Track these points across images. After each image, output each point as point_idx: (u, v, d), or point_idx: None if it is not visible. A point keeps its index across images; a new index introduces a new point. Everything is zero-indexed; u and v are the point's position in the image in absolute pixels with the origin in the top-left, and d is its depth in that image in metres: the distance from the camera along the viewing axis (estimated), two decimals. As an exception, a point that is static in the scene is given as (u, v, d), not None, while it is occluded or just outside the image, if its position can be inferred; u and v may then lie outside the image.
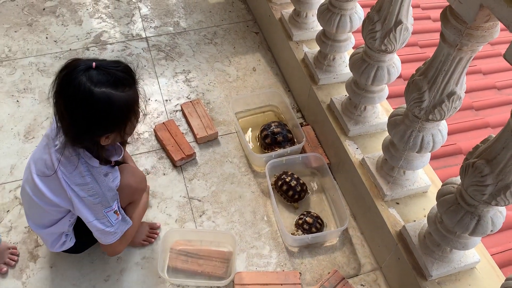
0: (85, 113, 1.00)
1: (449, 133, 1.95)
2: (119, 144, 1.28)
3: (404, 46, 1.33)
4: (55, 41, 2.08)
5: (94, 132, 1.05)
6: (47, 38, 2.09)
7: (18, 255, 1.39)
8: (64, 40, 2.08)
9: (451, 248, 1.17)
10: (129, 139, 1.24)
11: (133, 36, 2.13)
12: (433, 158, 1.76)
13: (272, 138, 1.69)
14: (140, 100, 1.08)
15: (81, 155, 1.09)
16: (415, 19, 1.30)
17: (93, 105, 0.98)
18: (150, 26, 2.19)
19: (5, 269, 1.36)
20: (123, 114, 1.04)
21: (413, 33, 1.31)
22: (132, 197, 1.32)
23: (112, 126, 1.05)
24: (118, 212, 1.19)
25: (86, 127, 1.03)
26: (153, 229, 1.47)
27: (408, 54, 2.20)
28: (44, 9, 2.23)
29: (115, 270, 1.39)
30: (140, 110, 1.10)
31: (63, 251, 1.33)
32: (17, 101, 1.82)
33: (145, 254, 1.43)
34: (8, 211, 1.50)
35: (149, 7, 2.29)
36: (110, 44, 2.08)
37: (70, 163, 1.09)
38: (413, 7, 2.37)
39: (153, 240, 1.45)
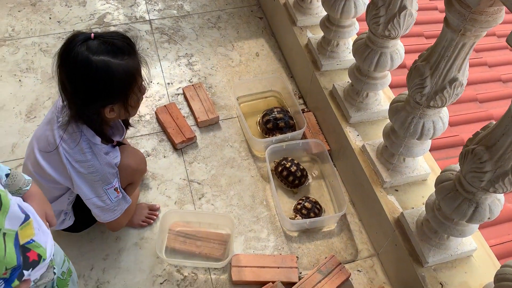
0: (85, 82, 1.01)
1: (452, 124, 1.95)
2: (122, 125, 1.28)
3: (410, 37, 1.32)
4: (58, 22, 2.07)
5: (97, 102, 1.05)
6: (50, 18, 2.08)
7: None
8: (67, 20, 2.08)
9: (448, 235, 1.17)
10: (132, 122, 1.24)
11: (137, 19, 2.12)
12: (435, 149, 1.76)
13: (274, 124, 1.69)
14: (142, 71, 1.08)
15: (83, 132, 1.10)
16: (421, 9, 1.29)
17: (92, 73, 0.99)
18: (154, 9, 2.18)
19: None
20: (124, 82, 1.04)
21: (419, 23, 1.30)
22: (132, 177, 1.32)
23: (114, 95, 1.06)
24: (119, 190, 1.19)
25: (88, 97, 1.04)
26: (153, 211, 1.48)
27: (414, 44, 2.18)
28: (48, -11, 2.22)
29: (113, 249, 1.41)
30: (143, 82, 1.10)
31: (62, 230, 1.34)
32: (20, 80, 1.83)
33: (144, 235, 1.44)
34: (9, 189, 1.50)
35: (153, -11, 2.28)
36: (114, 26, 2.07)
37: (72, 139, 1.10)
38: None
39: (152, 221, 1.46)
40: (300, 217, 1.49)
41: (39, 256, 0.77)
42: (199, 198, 1.54)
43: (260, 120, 1.74)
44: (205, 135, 1.71)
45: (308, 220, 1.46)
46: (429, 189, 1.38)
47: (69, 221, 1.31)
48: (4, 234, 0.69)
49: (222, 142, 1.70)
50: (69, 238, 1.40)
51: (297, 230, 1.50)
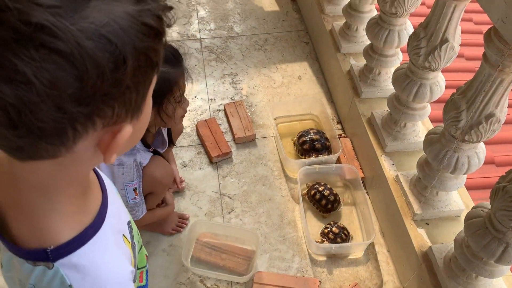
0: None
1: (499, 165, 1.85)
2: (165, 138, 1.34)
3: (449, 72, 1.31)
4: (116, 35, 2.21)
5: None
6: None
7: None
8: (124, 34, 2.22)
9: (476, 274, 1.13)
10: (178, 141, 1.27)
11: (188, 36, 2.23)
12: (475, 188, 1.68)
13: (311, 145, 1.70)
14: (183, 85, 1.14)
15: None
16: (465, 32, 1.28)
17: None
18: (205, 28, 2.28)
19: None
20: (159, 88, 1.10)
21: (461, 45, 1.28)
22: (153, 187, 1.32)
23: None
24: (137, 192, 1.24)
25: None
26: (182, 219, 1.52)
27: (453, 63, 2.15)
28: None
29: (142, 253, 1.46)
30: (180, 94, 1.15)
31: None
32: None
33: (172, 242, 1.49)
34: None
35: (206, 10, 2.39)
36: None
37: None
38: (465, 20, 2.29)
39: (181, 229, 1.51)
40: (327, 242, 1.48)
41: (147, 256, 0.84)
42: (229, 212, 1.58)
43: (296, 141, 1.77)
44: (240, 151, 1.76)
45: (334, 245, 1.46)
46: (461, 226, 1.33)
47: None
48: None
49: (257, 160, 1.74)
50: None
51: (322, 254, 1.49)
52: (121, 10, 0.40)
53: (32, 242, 0.50)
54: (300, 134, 1.76)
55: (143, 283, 0.81)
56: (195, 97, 1.94)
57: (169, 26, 0.46)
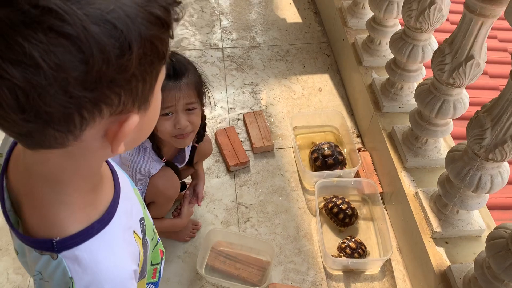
0: None
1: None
2: (185, 155, 1.35)
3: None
4: (140, 42, 2.25)
5: None
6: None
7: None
8: (148, 41, 2.25)
9: (497, 297, 1.10)
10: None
11: (211, 45, 2.25)
12: (498, 208, 1.64)
13: (323, 161, 1.69)
14: (172, 101, 1.12)
15: None
16: (489, 49, 1.26)
17: None
18: (228, 38, 2.30)
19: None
20: None
21: (486, 62, 1.27)
22: (154, 197, 1.31)
23: None
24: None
25: None
26: (195, 225, 1.53)
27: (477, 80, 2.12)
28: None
29: (157, 258, 1.47)
30: (168, 110, 1.13)
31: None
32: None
33: (188, 249, 1.49)
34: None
35: (229, 20, 2.41)
36: (189, 50, 2.22)
37: None
38: (490, 38, 2.26)
39: (194, 235, 1.51)
40: (344, 256, 1.46)
41: (163, 253, 0.85)
42: (244, 222, 1.57)
43: (309, 156, 1.75)
44: (258, 161, 1.76)
45: (350, 260, 1.44)
46: (482, 246, 1.31)
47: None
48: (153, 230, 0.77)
49: (274, 170, 1.73)
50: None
51: (338, 269, 1.48)
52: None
53: (40, 232, 0.52)
54: (312, 149, 1.74)
55: (156, 279, 0.81)
56: (215, 105, 1.95)
57: (177, 20, 0.46)
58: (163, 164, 1.28)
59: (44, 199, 0.52)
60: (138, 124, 0.48)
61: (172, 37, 0.47)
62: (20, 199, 0.54)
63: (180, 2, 0.46)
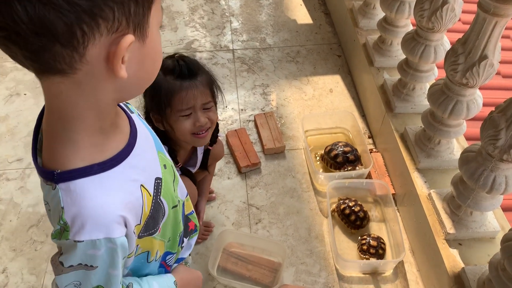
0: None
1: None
2: (198, 159, 1.36)
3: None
4: (151, 44, 2.27)
5: (147, 105, 1.20)
6: (145, 40, 2.29)
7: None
8: (159, 44, 2.27)
9: (512, 300, 1.09)
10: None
11: (221, 47, 2.26)
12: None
13: (344, 157, 1.68)
14: (189, 99, 1.15)
15: None
16: (502, 49, 1.25)
17: None
18: (238, 39, 2.31)
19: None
20: (159, 97, 1.14)
21: (499, 62, 1.25)
22: None
23: (152, 105, 1.18)
24: None
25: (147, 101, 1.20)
26: (208, 227, 1.53)
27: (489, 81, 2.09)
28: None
29: (169, 259, 1.47)
30: (185, 107, 1.15)
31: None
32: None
33: (199, 250, 1.50)
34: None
35: (240, 21, 2.42)
36: (199, 52, 2.23)
37: None
38: (503, 37, 2.24)
39: (206, 237, 1.51)
40: (371, 258, 1.46)
41: (195, 226, 0.87)
42: (256, 223, 1.57)
43: (326, 156, 1.75)
44: (269, 162, 1.76)
45: (362, 261, 1.43)
46: (496, 248, 1.29)
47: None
48: (179, 202, 0.79)
49: (285, 172, 1.73)
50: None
51: (350, 270, 1.47)
52: None
53: (48, 164, 0.58)
54: (329, 148, 1.74)
55: (175, 250, 0.81)
56: (226, 107, 1.96)
57: None
58: (179, 171, 1.29)
59: (56, 135, 0.57)
60: (139, 53, 0.52)
61: None
62: (43, 136, 0.60)
63: None
